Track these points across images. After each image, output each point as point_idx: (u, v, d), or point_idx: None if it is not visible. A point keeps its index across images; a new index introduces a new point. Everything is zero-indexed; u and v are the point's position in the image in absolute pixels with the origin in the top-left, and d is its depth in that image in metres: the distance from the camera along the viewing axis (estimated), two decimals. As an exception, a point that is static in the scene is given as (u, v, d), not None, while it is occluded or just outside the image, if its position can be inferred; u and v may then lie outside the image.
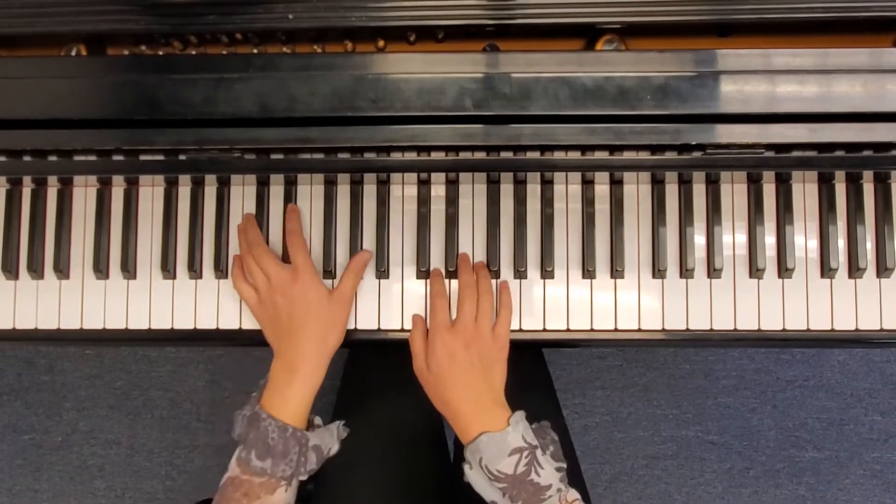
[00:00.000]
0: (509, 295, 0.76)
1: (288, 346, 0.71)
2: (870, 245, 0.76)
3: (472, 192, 0.78)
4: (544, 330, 0.77)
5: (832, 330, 0.76)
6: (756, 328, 0.76)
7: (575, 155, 0.70)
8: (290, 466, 0.67)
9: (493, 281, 0.77)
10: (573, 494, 0.66)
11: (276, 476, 0.66)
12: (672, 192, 0.77)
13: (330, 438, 0.72)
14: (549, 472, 0.66)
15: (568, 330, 0.77)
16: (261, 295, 0.73)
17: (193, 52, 0.71)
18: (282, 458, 0.66)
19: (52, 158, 0.70)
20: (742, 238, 0.77)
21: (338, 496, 0.84)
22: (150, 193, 0.79)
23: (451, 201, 0.77)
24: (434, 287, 0.75)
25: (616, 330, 0.77)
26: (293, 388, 0.69)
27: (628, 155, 0.70)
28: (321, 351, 0.72)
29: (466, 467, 0.68)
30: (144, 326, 0.79)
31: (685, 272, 0.76)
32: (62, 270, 0.78)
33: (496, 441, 0.66)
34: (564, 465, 0.67)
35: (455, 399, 0.70)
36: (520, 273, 0.77)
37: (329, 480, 0.85)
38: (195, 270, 0.78)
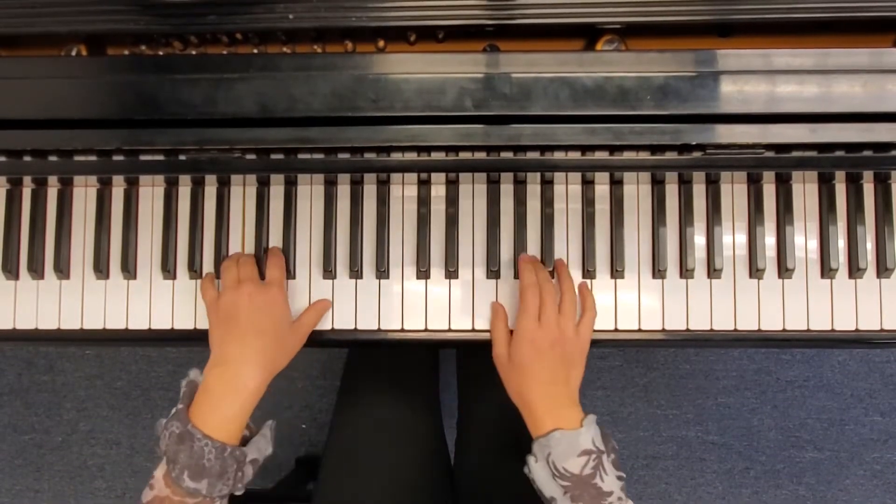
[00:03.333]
0: (592, 296, 0.76)
1: (236, 352, 0.67)
2: (870, 245, 0.76)
3: (472, 192, 0.78)
4: (544, 330, 0.77)
5: (832, 330, 0.76)
6: (756, 328, 0.76)
7: (575, 155, 0.70)
8: (226, 485, 0.63)
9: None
10: None
11: (213, 496, 0.63)
12: (672, 192, 0.77)
13: (265, 444, 0.68)
14: (612, 479, 0.65)
15: (568, 330, 0.77)
16: (224, 291, 0.71)
17: (193, 52, 0.71)
18: (218, 479, 0.62)
19: (53, 158, 0.70)
20: (742, 238, 0.77)
21: (337, 496, 0.84)
22: (150, 193, 0.79)
23: (451, 201, 0.77)
24: (527, 278, 0.73)
25: (616, 330, 0.77)
26: (235, 406, 0.65)
27: (628, 155, 0.70)
28: (266, 370, 0.68)
29: (531, 459, 0.68)
30: (144, 326, 0.79)
31: (685, 272, 0.76)
32: (62, 270, 0.78)
33: (569, 439, 0.66)
34: (624, 476, 0.67)
35: (532, 393, 0.69)
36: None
37: (329, 481, 0.85)
38: (195, 270, 0.78)
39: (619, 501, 0.65)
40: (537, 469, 0.67)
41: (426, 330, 0.78)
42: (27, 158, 0.70)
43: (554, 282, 0.75)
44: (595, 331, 0.77)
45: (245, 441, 0.67)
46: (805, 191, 0.77)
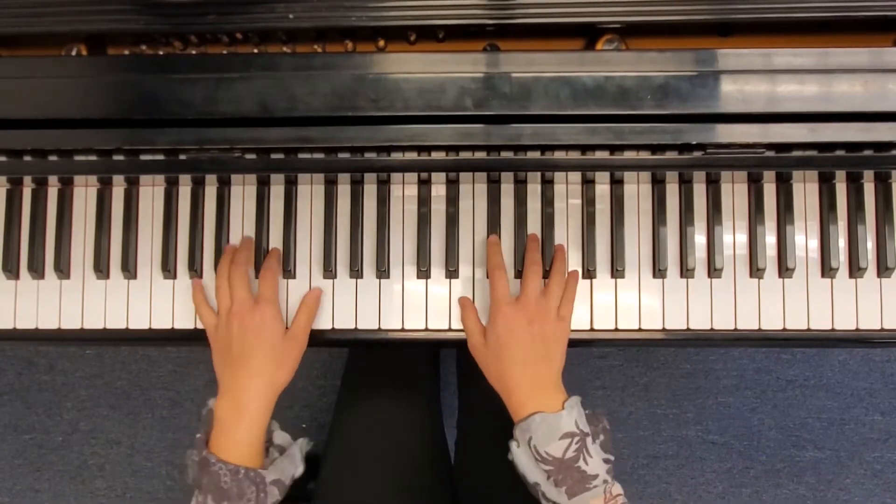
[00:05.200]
0: (576, 280, 0.75)
1: (234, 381, 0.70)
2: (870, 245, 0.76)
3: (473, 192, 0.78)
4: (545, 330, 0.77)
5: (833, 330, 0.76)
6: (757, 328, 0.76)
7: (575, 155, 0.70)
8: None
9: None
10: (618, 489, 0.65)
11: None
12: (672, 191, 0.77)
13: (291, 465, 0.70)
14: (596, 462, 0.64)
15: (568, 330, 0.77)
16: (220, 317, 0.73)
17: (194, 52, 0.71)
18: (238, 500, 0.65)
19: (53, 158, 0.70)
20: (742, 238, 0.77)
21: (338, 496, 0.84)
22: (151, 193, 0.79)
23: (452, 201, 0.77)
24: (493, 260, 0.74)
25: (616, 330, 0.77)
26: (241, 429, 0.68)
27: (629, 155, 0.70)
28: (268, 388, 0.70)
29: (514, 445, 0.67)
30: (145, 326, 0.79)
31: (686, 272, 0.76)
32: (63, 270, 0.78)
33: (549, 422, 0.65)
34: (612, 458, 0.66)
35: (512, 376, 0.69)
36: (520, 273, 0.77)
37: (329, 480, 0.85)
38: (195, 270, 0.78)
39: (604, 484, 0.64)
40: (519, 454, 0.67)
41: (426, 329, 0.78)
42: (27, 158, 0.70)
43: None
44: (595, 330, 0.77)
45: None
46: (805, 190, 0.77)
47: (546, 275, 0.75)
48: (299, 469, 0.71)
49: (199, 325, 0.78)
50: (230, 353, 0.71)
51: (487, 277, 0.76)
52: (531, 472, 0.66)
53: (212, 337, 0.74)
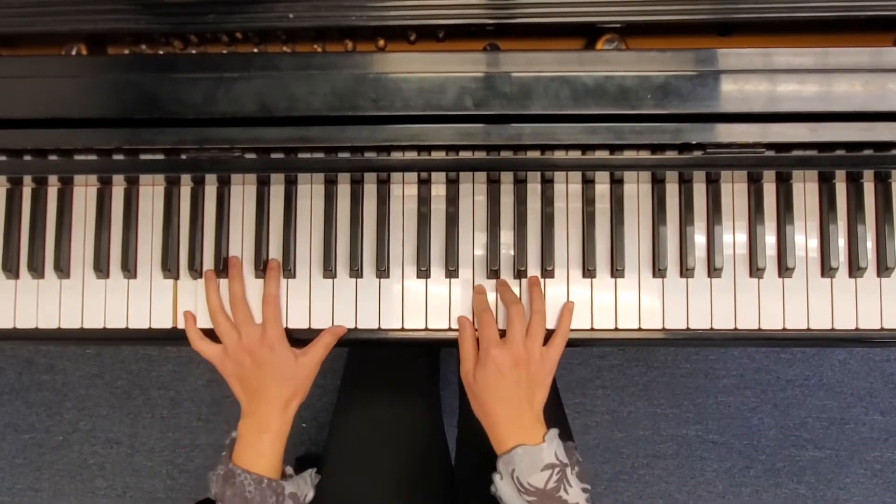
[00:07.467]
0: (568, 319, 0.76)
1: (255, 408, 0.73)
2: (870, 244, 0.76)
3: (473, 192, 0.78)
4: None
5: (832, 329, 0.76)
6: (756, 327, 0.76)
7: (575, 154, 0.70)
8: None
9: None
10: None
11: None
12: (672, 191, 0.77)
13: (305, 486, 0.74)
14: (576, 491, 0.67)
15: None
16: (228, 350, 0.74)
17: (194, 52, 0.71)
18: None
19: (53, 158, 0.70)
20: (742, 237, 0.77)
21: (338, 496, 0.84)
22: (151, 193, 0.79)
23: (452, 201, 0.77)
24: (480, 304, 0.75)
25: (616, 329, 0.77)
26: (264, 443, 0.72)
27: (629, 154, 0.70)
28: (286, 409, 0.74)
29: (497, 477, 0.69)
30: (145, 326, 0.79)
31: (685, 271, 0.76)
32: (63, 270, 0.78)
33: (531, 455, 0.67)
34: (589, 487, 0.68)
35: (495, 411, 0.70)
36: (520, 273, 0.77)
37: (329, 480, 0.85)
38: (195, 270, 0.78)
39: None
40: (503, 486, 0.68)
41: (426, 329, 0.78)
42: (27, 158, 0.70)
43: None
44: (595, 330, 0.77)
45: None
46: (805, 190, 0.77)
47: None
48: (311, 493, 0.74)
49: (199, 325, 0.78)
50: (247, 385, 0.73)
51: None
52: (514, 502, 0.67)
53: (221, 367, 0.75)
